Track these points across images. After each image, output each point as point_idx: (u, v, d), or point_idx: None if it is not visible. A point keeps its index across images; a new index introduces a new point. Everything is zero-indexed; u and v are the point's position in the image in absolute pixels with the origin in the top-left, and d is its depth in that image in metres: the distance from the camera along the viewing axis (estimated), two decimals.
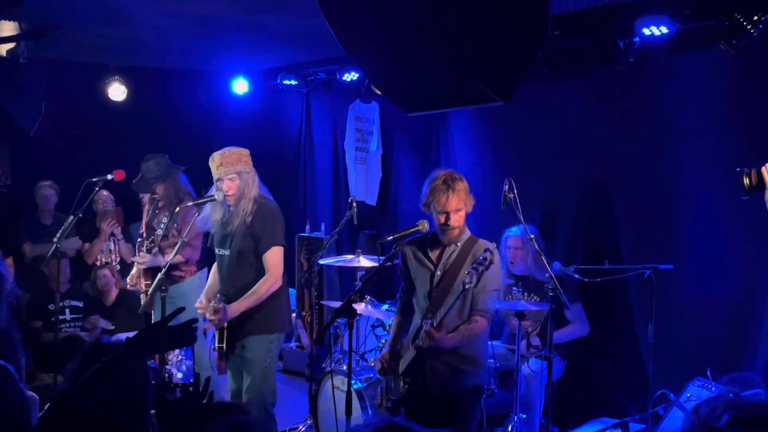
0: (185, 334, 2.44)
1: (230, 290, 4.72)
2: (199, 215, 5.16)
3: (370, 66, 3.12)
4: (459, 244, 4.15)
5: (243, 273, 4.72)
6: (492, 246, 4.09)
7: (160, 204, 6.03)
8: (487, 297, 4.01)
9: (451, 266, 4.11)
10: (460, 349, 4.04)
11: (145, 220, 6.23)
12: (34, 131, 6.82)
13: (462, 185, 4.04)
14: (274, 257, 4.66)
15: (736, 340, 5.06)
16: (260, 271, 4.69)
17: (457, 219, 4.06)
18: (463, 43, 2.44)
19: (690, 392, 4.83)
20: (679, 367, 5.20)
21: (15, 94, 6.64)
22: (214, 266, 5.02)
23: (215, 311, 4.55)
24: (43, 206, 7.29)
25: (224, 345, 4.72)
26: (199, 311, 4.88)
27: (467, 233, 4.20)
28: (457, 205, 4.02)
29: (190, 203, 5.60)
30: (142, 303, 5.89)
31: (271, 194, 5.00)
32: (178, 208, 5.56)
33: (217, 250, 4.92)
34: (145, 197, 6.33)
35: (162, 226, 5.87)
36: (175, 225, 5.88)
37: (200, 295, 6.20)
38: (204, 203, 5.34)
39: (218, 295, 4.80)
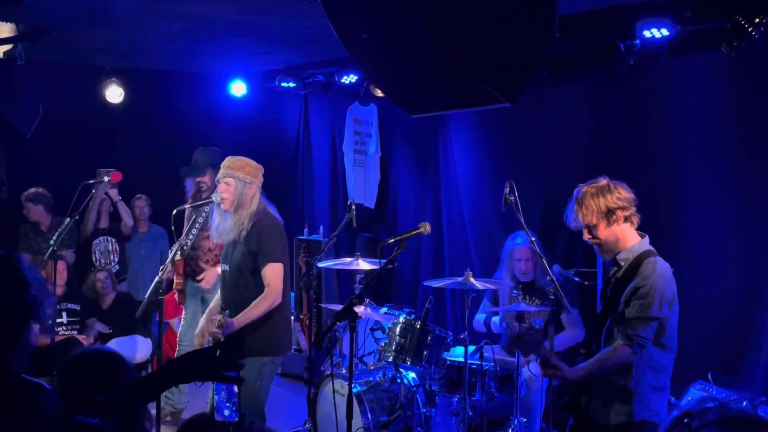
0: (227, 368, 2.27)
1: (230, 307, 4.67)
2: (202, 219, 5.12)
3: (374, 67, 3.09)
4: (623, 264, 3.65)
5: (241, 290, 4.63)
6: (651, 269, 3.55)
7: (204, 195, 6.02)
8: (638, 323, 3.50)
9: (612, 290, 3.68)
10: (613, 379, 3.60)
11: (185, 229, 6.20)
12: (31, 133, 6.78)
13: (589, 199, 3.62)
14: (272, 274, 4.55)
15: (737, 344, 5.04)
16: (259, 289, 4.58)
17: (592, 234, 3.65)
18: (468, 44, 2.42)
19: (691, 396, 4.82)
20: (679, 370, 5.15)
21: (12, 95, 6.60)
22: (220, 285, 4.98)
23: (220, 325, 4.49)
24: (35, 219, 7.23)
25: None
26: (197, 340, 4.87)
27: (631, 251, 3.64)
28: (585, 220, 3.63)
29: (188, 205, 5.58)
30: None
31: (270, 197, 4.95)
32: (175, 210, 5.52)
33: (222, 266, 4.87)
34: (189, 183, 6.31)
35: (195, 230, 5.84)
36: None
37: None
38: (201, 205, 5.32)
39: (223, 309, 4.76)
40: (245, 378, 4.48)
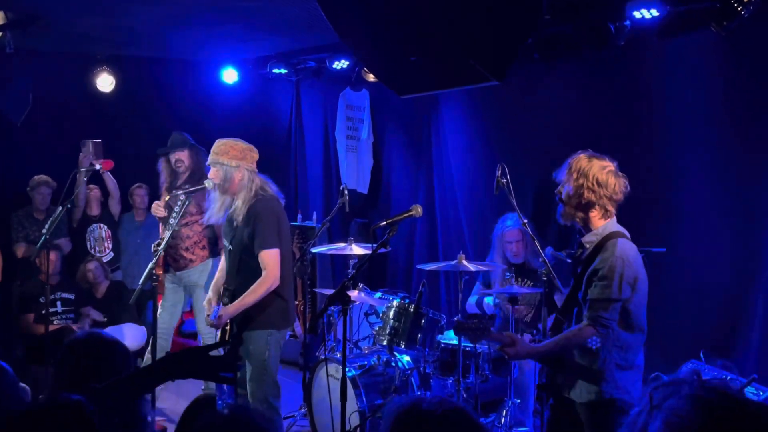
0: (224, 368, 2.28)
1: (232, 285, 4.72)
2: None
3: (363, 49, 3.08)
4: (588, 246, 3.59)
5: (244, 269, 4.69)
6: (611, 251, 3.46)
7: (185, 175, 6.05)
8: (599, 305, 3.46)
9: (580, 271, 3.62)
10: (582, 359, 3.59)
11: (166, 185, 6.22)
12: (22, 122, 6.75)
13: (575, 160, 3.57)
14: (268, 259, 4.60)
15: (729, 323, 5.08)
16: (260, 270, 4.65)
17: (562, 193, 3.60)
18: (456, 23, 2.41)
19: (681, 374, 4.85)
20: (672, 349, 5.21)
21: (1, 85, 6.57)
22: (223, 257, 5.02)
23: (216, 321, 4.62)
24: (39, 204, 7.21)
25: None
26: (205, 309, 4.93)
27: (596, 233, 3.57)
28: (561, 176, 3.60)
29: (181, 192, 5.57)
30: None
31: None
32: (167, 196, 5.54)
33: (224, 241, 4.91)
34: (162, 165, 6.29)
35: (173, 220, 5.84)
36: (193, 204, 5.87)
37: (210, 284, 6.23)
38: (195, 191, 5.31)
39: (222, 290, 4.80)
40: (254, 351, 4.62)
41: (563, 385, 3.72)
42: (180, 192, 5.35)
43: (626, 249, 3.51)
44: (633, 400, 3.63)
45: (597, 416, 3.60)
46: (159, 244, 5.42)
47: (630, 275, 3.48)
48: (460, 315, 4.97)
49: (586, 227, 3.61)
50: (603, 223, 3.58)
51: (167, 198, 6.23)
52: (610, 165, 3.59)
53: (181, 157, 6.12)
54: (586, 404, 3.62)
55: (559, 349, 3.61)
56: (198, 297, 6.20)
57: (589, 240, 3.60)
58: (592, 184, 3.52)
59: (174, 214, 5.63)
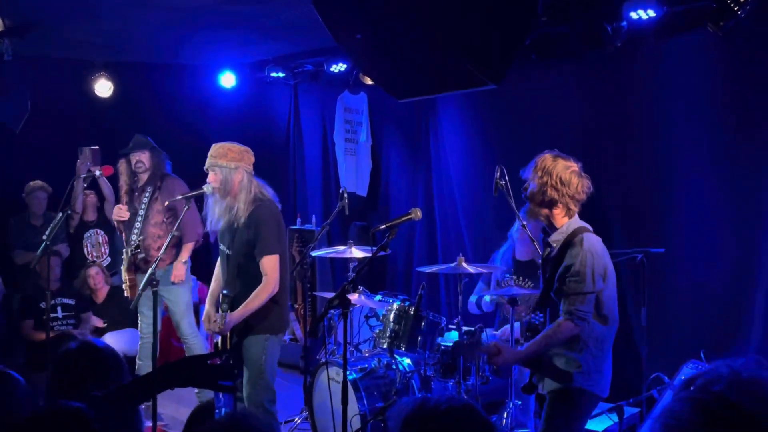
0: (222, 377, 2.30)
1: (232, 292, 4.71)
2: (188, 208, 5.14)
3: (361, 54, 3.09)
4: (555, 245, 3.67)
5: (243, 274, 4.69)
6: (578, 246, 3.55)
7: (144, 176, 6.08)
8: (575, 299, 3.53)
9: (549, 270, 3.70)
10: (558, 351, 3.64)
11: (125, 188, 6.23)
12: (20, 129, 6.76)
13: (540, 159, 3.65)
14: (268, 265, 4.61)
15: (729, 322, 5.08)
16: (260, 275, 4.64)
17: (527, 190, 3.68)
18: (453, 27, 2.42)
19: (684, 375, 4.85)
20: (672, 350, 5.22)
21: (0, 92, 6.58)
22: (219, 261, 5.00)
23: (219, 327, 4.58)
24: (35, 210, 7.22)
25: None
26: (205, 325, 4.92)
27: (560, 231, 3.65)
28: (527, 174, 3.71)
29: (180, 196, 5.57)
30: (127, 296, 5.93)
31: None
32: (167, 202, 5.54)
33: (220, 246, 4.89)
34: (121, 167, 6.29)
35: (143, 205, 5.83)
36: (162, 202, 5.87)
37: (187, 285, 6.21)
38: (194, 196, 5.31)
39: (221, 297, 4.79)
40: (251, 355, 4.62)
41: (539, 382, 3.78)
42: (180, 197, 5.35)
43: (593, 242, 3.61)
44: (601, 394, 3.71)
45: (561, 402, 3.66)
46: (138, 247, 5.42)
47: (600, 267, 3.58)
48: (460, 317, 4.97)
49: (551, 225, 3.69)
50: (566, 221, 3.67)
51: (126, 200, 6.22)
52: (573, 165, 3.67)
53: (142, 159, 6.13)
54: (553, 391, 3.68)
55: (542, 348, 3.66)
56: (172, 299, 6.18)
57: (556, 239, 3.69)
58: (556, 183, 3.61)
59: (138, 219, 5.63)
